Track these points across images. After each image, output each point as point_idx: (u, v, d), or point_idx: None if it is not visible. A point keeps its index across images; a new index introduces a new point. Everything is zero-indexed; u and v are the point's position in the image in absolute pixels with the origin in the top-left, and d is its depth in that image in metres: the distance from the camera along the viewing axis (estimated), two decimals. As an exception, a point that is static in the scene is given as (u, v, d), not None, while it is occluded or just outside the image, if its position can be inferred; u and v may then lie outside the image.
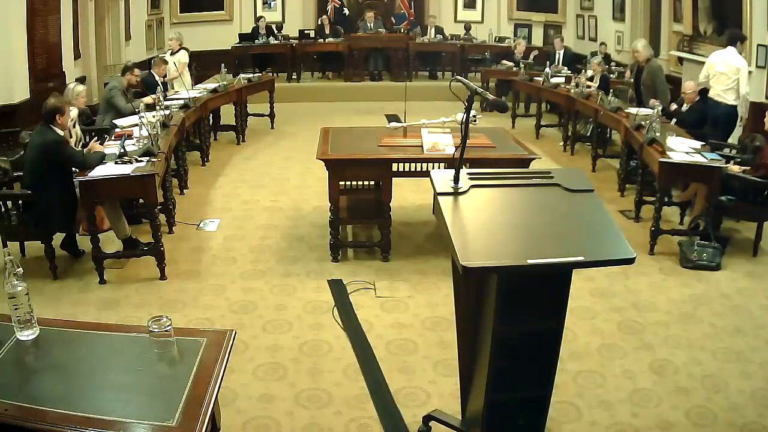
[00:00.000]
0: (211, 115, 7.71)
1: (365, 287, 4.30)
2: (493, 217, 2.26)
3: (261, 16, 11.14)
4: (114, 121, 5.65)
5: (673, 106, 6.28)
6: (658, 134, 5.00)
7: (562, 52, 9.41)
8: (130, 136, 4.86)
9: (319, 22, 11.22)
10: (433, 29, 11.33)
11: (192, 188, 6.27)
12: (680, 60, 8.23)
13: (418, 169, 4.54)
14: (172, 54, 7.95)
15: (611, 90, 6.89)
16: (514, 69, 9.26)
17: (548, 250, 2.12)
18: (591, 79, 7.63)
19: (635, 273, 4.45)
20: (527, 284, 2.23)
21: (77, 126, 5.17)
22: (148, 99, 6.14)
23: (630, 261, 2.14)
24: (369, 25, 11.19)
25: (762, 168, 4.65)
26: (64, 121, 4.24)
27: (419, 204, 5.72)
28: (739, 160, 4.92)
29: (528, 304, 2.26)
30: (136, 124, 4.96)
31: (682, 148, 4.91)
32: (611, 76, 8.11)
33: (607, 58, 8.73)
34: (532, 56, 9.87)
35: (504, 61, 9.77)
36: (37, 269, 4.37)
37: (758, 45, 6.43)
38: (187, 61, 8.05)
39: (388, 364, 3.44)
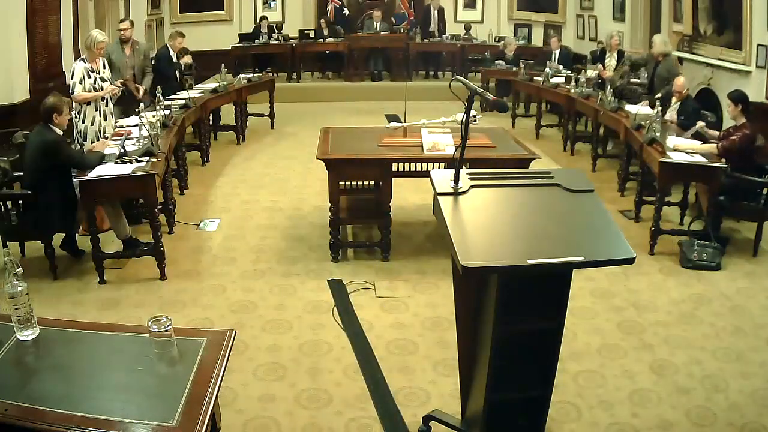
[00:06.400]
0: (211, 115, 7.70)
1: (365, 287, 4.30)
2: (493, 217, 2.26)
3: (264, 16, 11.14)
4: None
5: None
6: (658, 134, 5.00)
7: (557, 51, 9.41)
8: (129, 136, 4.86)
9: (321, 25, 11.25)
10: (436, 30, 11.33)
11: (192, 188, 6.26)
12: (680, 60, 8.22)
13: (418, 169, 4.54)
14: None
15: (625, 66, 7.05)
16: (508, 69, 9.30)
17: (548, 250, 2.12)
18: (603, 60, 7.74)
19: (635, 273, 4.45)
20: (527, 284, 2.23)
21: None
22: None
23: (630, 261, 2.15)
24: (376, 24, 11.20)
25: (727, 142, 4.71)
26: (62, 121, 4.23)
27: (419, 204, 5.71)
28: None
29: (528, 304, 2.26)
30: (136, 124, 4.96)
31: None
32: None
33: (620, 54, 8.61)
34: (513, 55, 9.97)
35: (498, 62, 9.79)
36: (37, 269, 4.37)
37: (758, 45, 6.42)
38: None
39: (388, 364, 3.44)
